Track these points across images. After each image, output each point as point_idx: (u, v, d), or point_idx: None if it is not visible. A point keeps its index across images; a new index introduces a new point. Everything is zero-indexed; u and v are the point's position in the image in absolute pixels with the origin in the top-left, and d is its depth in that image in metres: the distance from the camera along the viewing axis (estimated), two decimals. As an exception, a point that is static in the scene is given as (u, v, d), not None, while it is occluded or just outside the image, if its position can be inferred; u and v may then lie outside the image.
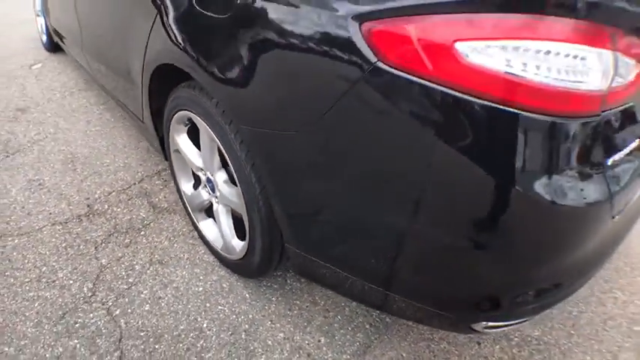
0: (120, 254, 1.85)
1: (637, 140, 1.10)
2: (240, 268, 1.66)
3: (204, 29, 1.30)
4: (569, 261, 1.06)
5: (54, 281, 1.74)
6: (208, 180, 1.60)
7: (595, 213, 0.97)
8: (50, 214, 2.11)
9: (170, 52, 1.47)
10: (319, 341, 1.47)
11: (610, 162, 0.99)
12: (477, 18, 0.83)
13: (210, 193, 1.65)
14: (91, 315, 1.59)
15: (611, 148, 1.01)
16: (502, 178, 0.87)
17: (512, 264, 0.99)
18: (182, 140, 1.71)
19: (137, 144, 2.60)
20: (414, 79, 0.87)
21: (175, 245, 1.88)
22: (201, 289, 1.67)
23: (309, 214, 1.24)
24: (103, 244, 1.91)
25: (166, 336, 1.50)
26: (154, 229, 1.98)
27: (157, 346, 1.47)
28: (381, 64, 0.89)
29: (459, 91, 0.84)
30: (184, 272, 1.74)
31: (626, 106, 1.02)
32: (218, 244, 1.70)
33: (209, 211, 1.78)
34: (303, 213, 1.25)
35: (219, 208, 1.60)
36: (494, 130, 0.85)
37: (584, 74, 0.85)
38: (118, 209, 2.11)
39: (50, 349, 1.48)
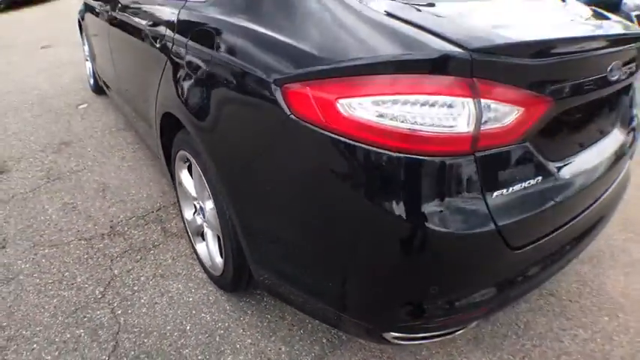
0: (130, 267, 2.17)
1: (538, 178, 1.29)
2: (219, 282, 1.97)
3: (187, 86, 1.70)
4: (470, 282, 1.29)
5: (72, 284, 2.07)
6: (201, 208, 1.94)
7: (477, 241, 1.19)
8: (78, 231, 2.47)
9: (170, 103, 1.87)
10: (280, 349, 1.72)
11: (494, 195, 1.18)
12: (356, 80, 1.13)
13: (202, 219, 1.98)
14: (98, 312, 1.90)
15: (497, 183, 1.19)
16: (383, 208, 1.13)
17: (408, 282, 1.25)
18: (183, 175, 2.07)
19: (160, 179, 2.98)
20: (314, 127, 1.18)
21: (177, 263, 2.19)
22: (190, 299, 1.96)
23: (258, 238, 1.55)
24: (118, 258, 2.24)
25: (155, 333, 1.79)
26: (162, 249, 2.30)
27: (145, 340, 1.76)
28: (292, 117, 1.22)
29: (344, 137, 1.14)
30: (180, 285, 2.04)
31: (517, 145, 1.21)
32: (207, 262, 2.01)
33: (203, 235, 2.10)
34: (254, 236, 1.56)
35: (207, 231, 1.93)
36: (372, 168, 1.13)
37: (451, 120, 1.09)
38: (135, 231, 2.46)
39: (60, 335, 1.79)
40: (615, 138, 1.71)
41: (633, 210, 2.53)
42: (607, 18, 1.80)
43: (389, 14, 1.21)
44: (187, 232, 2.24)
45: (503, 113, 1.16)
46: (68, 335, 1.79)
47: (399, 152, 1.10)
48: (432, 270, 1.23)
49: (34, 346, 1.76)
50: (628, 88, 1.80)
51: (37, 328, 1.84)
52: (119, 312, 1.91)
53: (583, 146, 1.56)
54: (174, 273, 2.13)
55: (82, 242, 2.38)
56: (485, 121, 1.13)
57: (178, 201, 2.24)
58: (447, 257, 1.21)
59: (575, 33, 1.49)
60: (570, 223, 1.47)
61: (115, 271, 2.15)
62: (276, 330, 1.80)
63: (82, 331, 1.81)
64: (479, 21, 1.34)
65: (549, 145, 1.35)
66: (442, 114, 1.09)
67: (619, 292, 2.02)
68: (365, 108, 1.11)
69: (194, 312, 1.90)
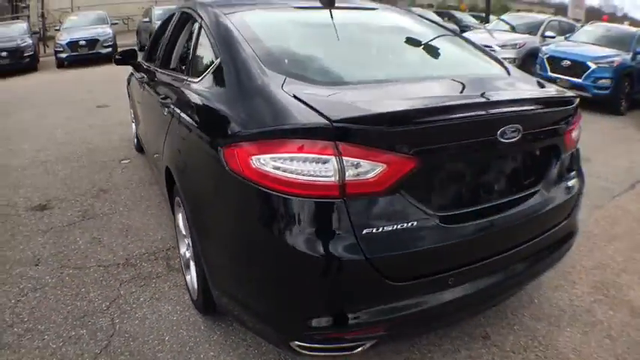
0: (134, 290, 2.63)
1: (413, 223, 1.56)
2: (196, 305, 2.41)
3: (174, 146, 2.36)
4: (353, 303, 1.60)
5: (85, 297, 2.54)
6: (188, 243, 2.41)
7: (352, 268, 1.52)
8: (99, 259, 2.97)
9: (168, 160, 2.49)
10: (236, 362, 2.10)
11: (364, 232, 1.51)
12: (261, 142, 1.61)
13: (190, 253, 2.44)
14: (101, 319, 2.35)
15: (367, 222, 1.52)
16: (280, 238, 1.55)
17: (300, 298, 1.64)
18: (178, 217, 2.57)
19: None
20: (240, 177, 1.65)
21: (171, 291, 2.63)
22: (174, 318, 2.38)
23: (213, 267, 2.02)
24: (126, 283, 2.70)
25: (140, 339, 2.22)
26: (163, 279, 2.75)
27: (131, 343, 2.18)
28: (228, 169, 1.70)
29: (256, 184, 1.59)
30: (169, 307, 2.47)
31: (388, 194, 1.55)
32: (191, 289, 2.44)
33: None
34: (210, 266, 2.03)
35: (191, 263, 2.38)
36: (273, 207, 1.58)
37: (324, 172, 1.50)
38: (145, 264, 2.93)
39: (67, 332, 2.25)
40: (536, 197, 1.95)
41: (609, 272, 2.81)
42: (541, 86, 2.26)
43: (294, 96, 1.68)
44: (181, 265, 2.70)
45: (368, 169, 1.52)
46: (73, 333, 2.24)
47: (289, 195, 1.54)
48: (319, 289, 1.60)
49: (45, 337, 2.23)
50: (554, 150, 2.05)
51: (50, 325, 2.31)
52: (117, 321, 2.35)
53: (480, 200, 1.80)
54: (167, 298, 2.56)
55: (101, 268, 2.87)
56: (356, 174, 1.51)
57: (176, 239, 2.72)
58: (330, 280, 1.57)
59: (452, 102, 1.77)
60: (467, 269, 1.72)
61: (122, 292, 2.60)
62: (235, 348, 2.17)
63: (84, 331, 2.26)
64: (361, 99, 1.71)
65: (433, 196, 1.67)
66: (318, 168, 1.51)
67: (571, 348, 2.19)
68: (266, 163, 1.57)
69: (174, 327, 2.31)
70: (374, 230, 1.55)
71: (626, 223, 3.47)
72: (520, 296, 2.49)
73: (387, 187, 1.56)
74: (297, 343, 1.67)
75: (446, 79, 2.13)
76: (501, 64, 2.47)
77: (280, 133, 1.58)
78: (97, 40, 13.53)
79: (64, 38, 13.47)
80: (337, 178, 1.51)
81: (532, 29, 10.63)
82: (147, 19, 15.60)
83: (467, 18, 20.76)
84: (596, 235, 3.26)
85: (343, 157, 1.50)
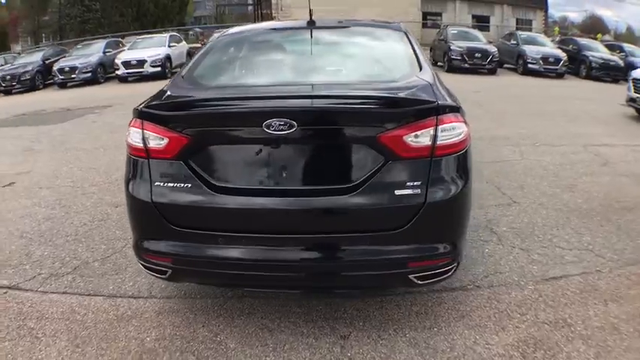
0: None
1: (187, 184, 2.02)
2: None
3: None
4: (153, 234, 2.18)
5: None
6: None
7: (146, 206, 2.09)
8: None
9: None
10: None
11: (155, 183, 2.07)
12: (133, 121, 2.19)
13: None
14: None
15: (158, 177, 2.06)
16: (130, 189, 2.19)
17: (131, 225, 2.32)
18: None
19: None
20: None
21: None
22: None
23: None
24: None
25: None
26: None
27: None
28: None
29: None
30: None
31: (173, 160, 2.03)
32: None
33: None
34: None
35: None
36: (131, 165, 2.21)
37: (138, 140, 2.11)
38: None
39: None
40: (335, 193, 1.94)
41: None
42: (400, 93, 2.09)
43: (162, 90, 2.35)
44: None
45: (159, 141, 2.05)
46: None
47: (130, 155, 2.19)
48: (134, 220, 2.25)
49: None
50: (369, 151, 1.95)
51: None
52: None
53: (254, 181, 2.03)
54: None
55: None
56: (155, 144, 2.05)
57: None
58: (137, 213, 2.21)
59: (221, 96, 2.18)
60: (236, 235, 2.01)
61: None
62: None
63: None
64: (195, 95, 2.27)
65: (210, 169, 2.03)
66: (135, 137, 2.14)
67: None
68: (132, 135, 2.16)
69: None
70: (161, 184, 2.09)
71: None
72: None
73: (173, 156, 2.05)
74: (141, 262, 2.27)
75: (298, 86, 2.37)
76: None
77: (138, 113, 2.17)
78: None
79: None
80: (143, 145, 2.09)
81: None
82: (442, 37, 16.52)
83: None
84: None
85: (144, 131, 2.09)
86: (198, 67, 2.58)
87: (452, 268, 2.13)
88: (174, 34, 18.36)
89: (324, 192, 1.99)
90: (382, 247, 2.00)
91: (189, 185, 2.05)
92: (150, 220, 2.15)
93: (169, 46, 16.13)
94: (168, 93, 2.30)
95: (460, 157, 2.07)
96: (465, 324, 2.38)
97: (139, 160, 2.16)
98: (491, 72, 15.19)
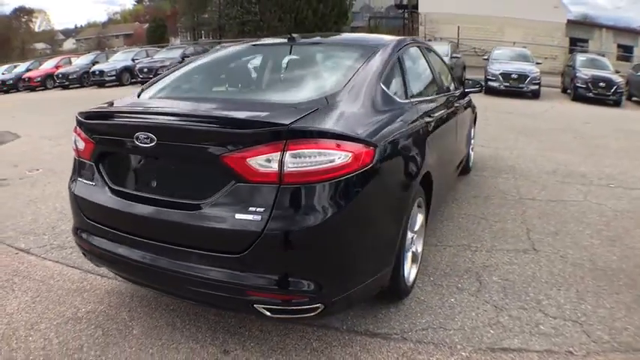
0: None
1: (92, 183, 2.25)
2: None
3: None
4: (77, 222, 2.46)
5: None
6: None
7: (72, 198, 2.43)
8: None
9: None
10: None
11: (74, 178, 2.41)
12: None
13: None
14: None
15: (79, 173, 2.35)
16: None
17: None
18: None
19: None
20: None
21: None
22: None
23: None
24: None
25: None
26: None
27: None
28: None
29: None
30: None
31: (88, 161, 2.28)
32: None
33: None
34: None
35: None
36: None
37: (74, 144, 2.39)
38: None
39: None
40: (188, 209, 1.94)
41: None
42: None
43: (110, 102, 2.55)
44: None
45: (81, 145, 2.32)
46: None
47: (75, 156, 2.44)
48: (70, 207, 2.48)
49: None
50: (217, 171, 1.88)
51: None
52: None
53: (137, 187, 2.16)
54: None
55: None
56: (79, 147, 2.34)
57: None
58: (71, 203, 2.46)
59: (110, 110, 2.36)
60: (120, 234, 2.15)
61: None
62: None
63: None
64: (135, 104, 2.48)
65: (110, 172, 2.23)
66: (75, 141, 2.40)
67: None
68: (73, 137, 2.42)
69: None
70: (78, 179, 2.37)
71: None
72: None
73: (88, 158, 2.30)
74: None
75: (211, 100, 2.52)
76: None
77: None
78: (527, 76, 13.15)
79: (496, 68, 13.52)
80: (75, 146, 2.39)
81: None
82: (570, 64, 14.97)
83: None
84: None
85: (76, 135, 2.36)
86: (157, 80, 2.78)
87: (314, 308, 1.94)
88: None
89: (176, 205, 2.01)
90: (221, 269, 1.92)
91: (96, 184, 2.28)
92: (75, 210, 2.44)
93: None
94: (108, 102, 2.53)
95: (329, 186, 1.85)
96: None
97: (74, 159, 2.46)
98: (616, 104, 12.73)
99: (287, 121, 1.85)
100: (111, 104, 2.51)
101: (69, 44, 62.58)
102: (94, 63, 20.23)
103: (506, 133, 8.01)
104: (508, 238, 3.54)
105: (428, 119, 2.89)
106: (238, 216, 1.84)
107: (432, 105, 3.15)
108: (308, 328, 2.46)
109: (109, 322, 2.52)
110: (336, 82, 2.41)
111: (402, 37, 3.21)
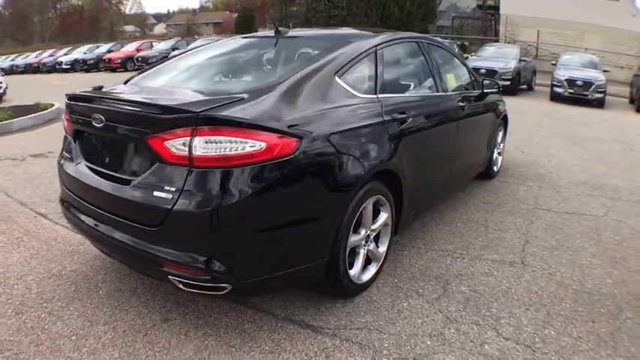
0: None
1: (69, 155, 2.51)
2: None
3: None
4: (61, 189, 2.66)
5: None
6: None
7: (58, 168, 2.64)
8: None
9: None
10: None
11: (62, 152, 2.65)
12: None
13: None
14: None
15: (64, 149, 2.65)
16: None
17: None
18: None
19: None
20: None
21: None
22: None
23: None
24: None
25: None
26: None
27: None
28: None
29: None
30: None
31: (72, 137, 2.53)
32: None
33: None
34: None
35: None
36: None
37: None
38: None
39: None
40: (124, 183, 2.14)
41: None
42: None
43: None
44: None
45: (65, 122, 2.61)
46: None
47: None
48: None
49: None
50: (143, 150, 2.10)
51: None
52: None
53: (95, 162, 2.36)
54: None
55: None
56: (66, 124, 2.60)
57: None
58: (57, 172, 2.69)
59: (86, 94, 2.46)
60: (79, 201, 2.38)
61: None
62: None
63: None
64: (114, 91, 2.59)
65: (83, 148, 2.44)
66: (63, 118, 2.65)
67: None
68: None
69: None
70: (63, 152, 2.63)
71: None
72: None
73: (69, 134, 2.56)
74: None
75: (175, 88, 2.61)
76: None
77: None
78: (592, 84, 12.39)
79: (562, 74, 12.96)
80: (64, 125, 2.63)
81: None
82: (638, 73, 13.92)
83: None
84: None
85: (63, 115, 2.61)
86: (144, 70, 3.00)
87: (222, 287, 2.00)
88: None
89: (116, 179, 2.20)
90: (142, 240, 2.08)
91: (72, 158, 2.52)
92: (60, 181, 2.68)
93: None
94: (96, 87, 2.76)
95: (236, 172, 1.91)
96: (260, 350, 2.20)
97: (64, 136, 2.72)
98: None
99: (198, 109, 1.93)
100: (98, 89, 2.74)
101: (160, 29, 64.32)
102: (174, 48, 20.78)
103: (552, 140, 7.43)
104: (500, 249, 3.28)
105: (401, 116, 2.77)
106: (156, 193, 1.98)
107: (415, 102, 3.01)
108: (248, 310, 2.52)
109: (83, 282, 2.78)
110: (284, 74, 2.40)
111: (391, 34, 3.09)
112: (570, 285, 2.82)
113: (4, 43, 51.12)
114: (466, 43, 22.66)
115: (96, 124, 2.20)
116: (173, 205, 1.92)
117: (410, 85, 3.20)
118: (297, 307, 2.55)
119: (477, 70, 13.62)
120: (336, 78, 2.43)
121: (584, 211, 4.09)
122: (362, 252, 2.61)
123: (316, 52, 2.67)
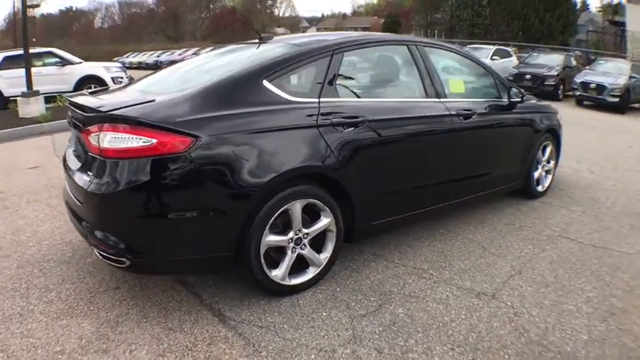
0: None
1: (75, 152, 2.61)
2: None
3: None
4: None
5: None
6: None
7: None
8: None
9: None
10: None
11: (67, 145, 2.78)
12: None
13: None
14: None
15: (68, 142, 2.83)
16: None
17: None
18: None
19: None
20: None
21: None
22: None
23: None
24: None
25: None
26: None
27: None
28: None
29: None
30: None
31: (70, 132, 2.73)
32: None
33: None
34: None
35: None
36: None
37: None
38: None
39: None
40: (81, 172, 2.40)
41: None
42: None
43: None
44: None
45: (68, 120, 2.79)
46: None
47: None
48: None
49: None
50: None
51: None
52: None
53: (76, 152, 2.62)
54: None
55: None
56: None
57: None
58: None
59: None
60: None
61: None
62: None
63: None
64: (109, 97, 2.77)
65: (74, 140, 2.62)
66: None
67: None
68: None
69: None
70: (67, 145, 2.91)
71: None
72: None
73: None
74: None
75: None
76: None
77: None
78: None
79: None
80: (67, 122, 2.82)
81: None
82: None
83: None
84: None
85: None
86: (145, 76, 3.23)
87: (121, 261, 2.26)
88: (503, 48, 17.60)
89: (78, 164, 2.56)
90: (82, 215, 2.43)
91: (70, 150, 2.91)
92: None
93: (491, 59, 15.51)
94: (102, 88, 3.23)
95: (129, 163, 2.16)
96: (163, 326, 2.37)
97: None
98: None
99: (106, 109, 2.25)
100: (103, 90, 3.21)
101: (311, 31, 67.47)
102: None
103: (634, 163, 6.05)
104: (479, 276, 2.83)
105: (349, 120, 2.62)
106: (84, 177, 2.34)
107: (382, 107, 2.80)
108: (184, 291, 2.70)
109: (82, 250, 3.30)
110: (215, 77, 2.47)
111: (357, 37, 2.94)
112: (529, 332, 2.31)
113: (158, 40, 53.27)
114: (592, 57, 19.87)
115: (74, 121, 2.63)
116: (87, 187, 2.26)
117: (382, 90, 2.96)
118: (225, 296, 2.64)
119: (586, 84, 12.61)
120: (264, 82, 2.44)
121: (614, 246, 3.22)
122: (289, 254, 2.57)
123: (263, 56, 2.69)
